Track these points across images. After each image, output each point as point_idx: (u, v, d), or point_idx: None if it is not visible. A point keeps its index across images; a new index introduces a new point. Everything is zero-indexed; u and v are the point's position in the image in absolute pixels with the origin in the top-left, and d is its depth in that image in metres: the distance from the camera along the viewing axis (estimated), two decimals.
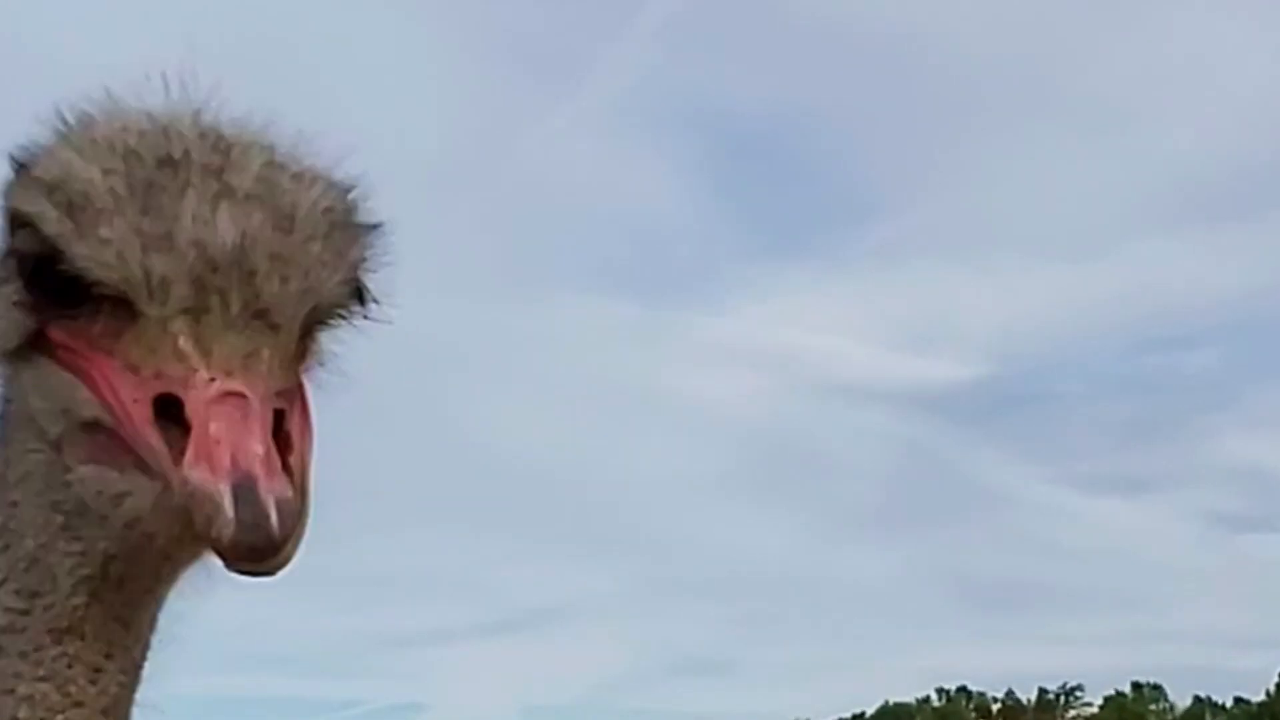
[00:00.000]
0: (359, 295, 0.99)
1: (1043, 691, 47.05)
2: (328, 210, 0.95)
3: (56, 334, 0.94)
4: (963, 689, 48.15)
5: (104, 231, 0.90)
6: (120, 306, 0.91)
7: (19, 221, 0.95)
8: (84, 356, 0.92)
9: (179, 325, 0.89)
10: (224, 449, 0.83)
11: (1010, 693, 47.65)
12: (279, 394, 0.90)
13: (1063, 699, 47.18)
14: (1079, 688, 47.22)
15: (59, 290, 0.92)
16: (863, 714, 49.37)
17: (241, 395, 0.87)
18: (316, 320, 0.96)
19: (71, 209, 0.91)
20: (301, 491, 0.86)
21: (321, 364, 1.00)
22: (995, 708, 47.82)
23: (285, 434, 0.88)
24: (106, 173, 0.92)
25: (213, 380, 0.87)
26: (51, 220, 0.92)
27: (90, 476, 0.92)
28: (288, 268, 0.91)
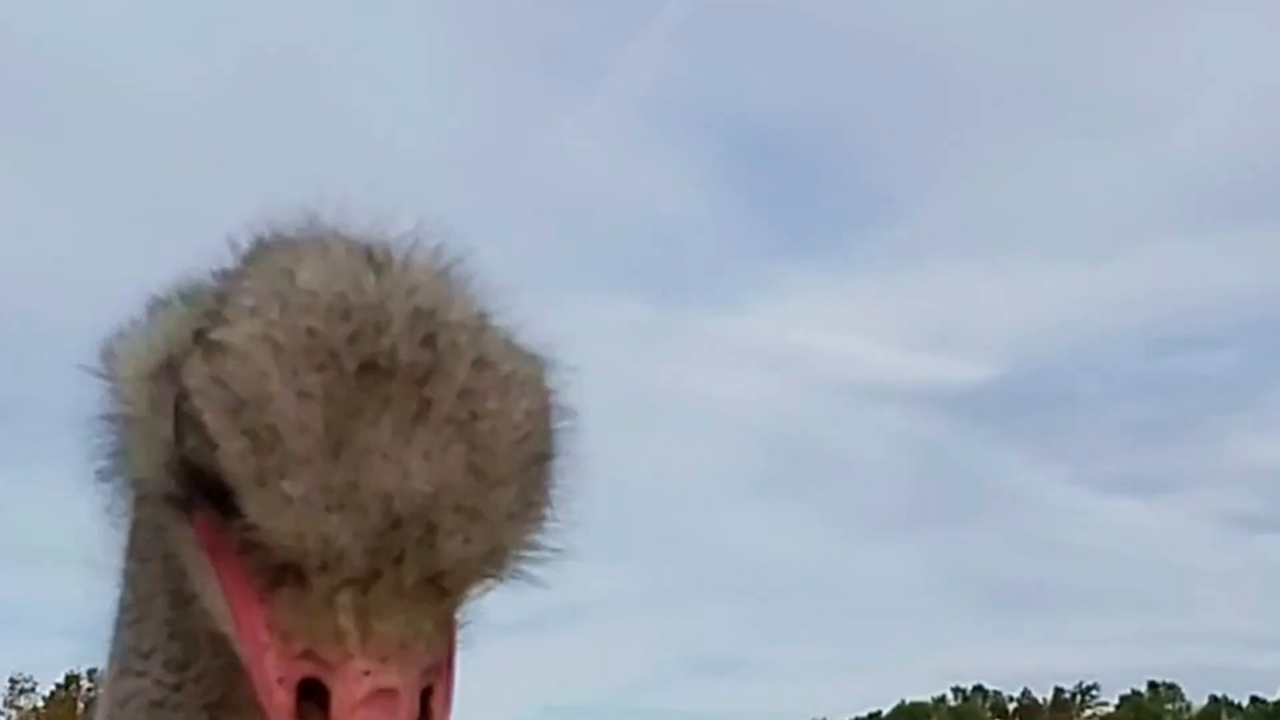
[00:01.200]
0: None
1: (1059, 691, 47.18)
2: (527, 439, 0.84)
3: (204, 525, 0.85)
4: (979, 688, 48.26)
5: (287, 487, 0.80)
6: (285, 568, 0.81)
7: (191, 417, 0.82)
8: (230, 578, 0.84)
9: (343, 600, 0.81)
10: None
11: (1026, 692, 47.76)
12: (429, 670, 0.83)
13: (1079, 699, 47.24)
14: (1095, 687, 46.94)
15: (216, 507, 0.82)
16: (879, 713, 49.54)
17: (393, 693, 0.80)
18: (490, 577, 0.87)
19: (258, 445, 0.80)
20: None
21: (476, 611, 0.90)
22: (1011, 707, 47.87)
23: (429, 712, 0.82)
24: (302, 398, 0.80)
25: (366, 674, 0.80)
26: (234, 454, 0.80)
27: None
28: (474, 525, 0.82)
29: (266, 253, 0.85)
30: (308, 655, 0.81)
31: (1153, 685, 47.31)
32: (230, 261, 0.86)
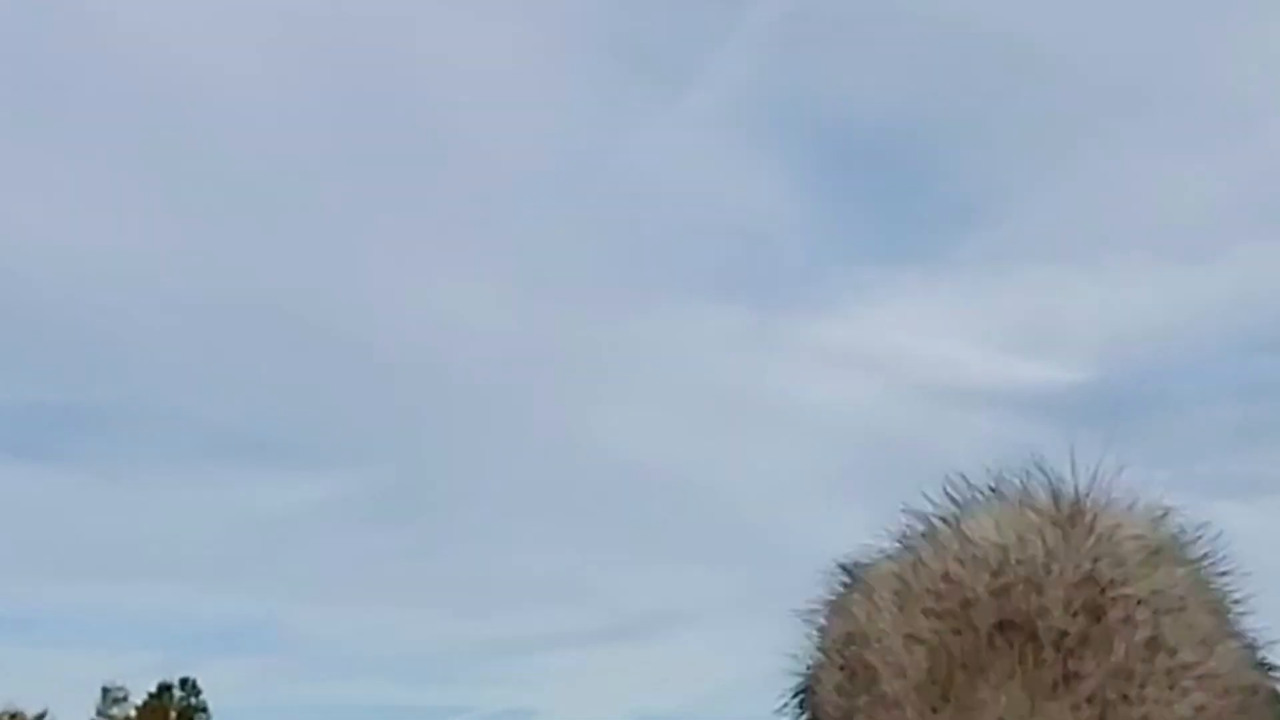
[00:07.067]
0: None
1: None
2: None
3: None
4: None
5: None
6: None
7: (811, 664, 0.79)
8: None
9: None
10: None
11: None
12: None
13: None
14: None
15: None
16: None
17: None
18: None
19: (853, 681, 0.74)
20: None
21: None
22: None
23: None
24: (909, 640, 0.72)
25: None
26: (827, 691, 0.75)
27: None
28: None
29: (953, 504, 0.78)
30: None
31: None
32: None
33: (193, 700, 37.06)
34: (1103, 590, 0.71)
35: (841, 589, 0.78)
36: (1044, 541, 0.72)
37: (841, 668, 0.74)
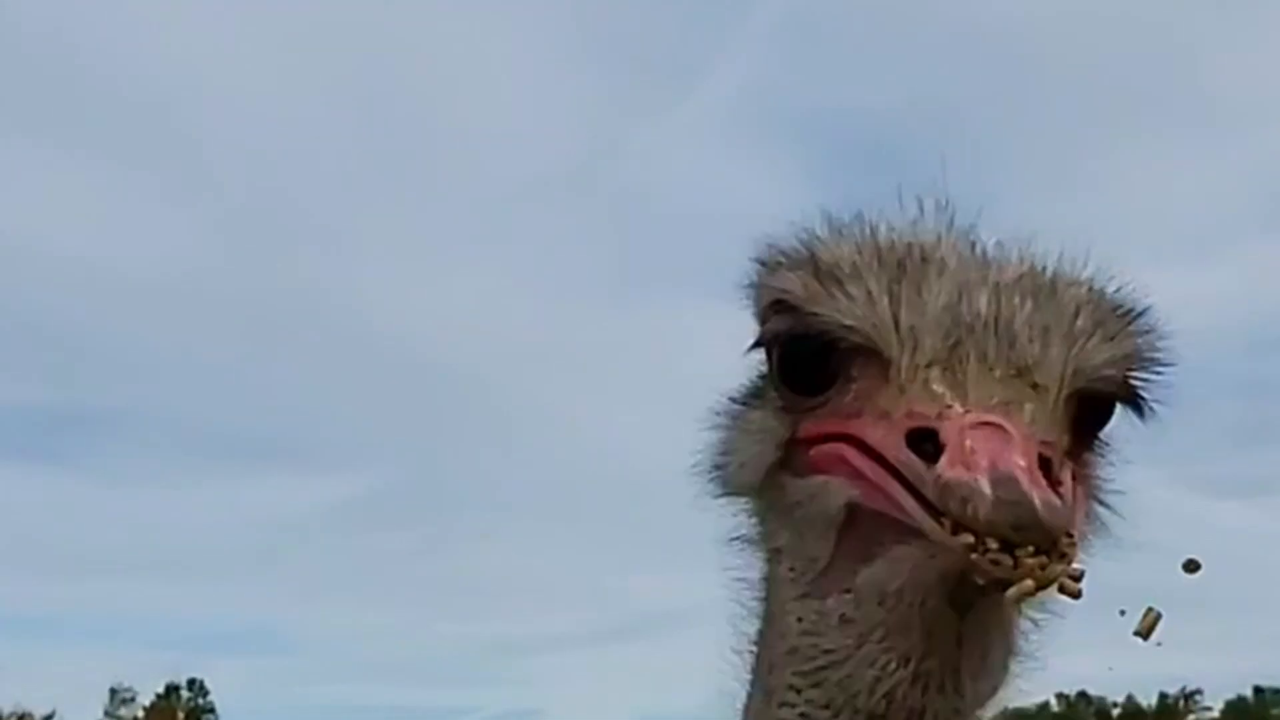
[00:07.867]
0: (1131, 395, 0.96)
1: (1163, 696, 44.61)
2: (1094, 296, 0.94)
3: (808, 429, 0.92)
4: (1083, 694, 45.30)
5: (852, 289, 0.91)
6: (870, 366, 0.90)
7: (768, 310, 0.97)
8: (834, 437, 0.90)
9: (933, 373, 0.87)
10: (980, 456, 0.80)
11: (1130, 698, 45.37)
12: (1045, 443, 0.84)
13: (1182, 704, 44.47)
14: (1198, 692, 44.06)
15: (809, 373, 0.92)
16: None
17: (1000, 426, 0.82)
18: (1085, 401, 0.92)
19: (819, 274, 0.92)
20: (1073, 515, 0.82)
21: (1098, 478, 0.96)
22: (1116, 713, 46.13)
23: (1053, 478, 0.82)
24: (858, 249, 0.94)
25: (968, 413, 0.84)
26: (798, 287, 0.93)
27: (864, 580, 0.88)
28: (1049, 334, 0.89)
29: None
30: (909, 416, 0.86)
31: (1258, 690, 44.65)
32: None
33: (200, 701, 37.10)
34: (974, 244, 0.97)
35: (768, 263, 1.00)
36: (917, 228, 0.98)
37: (802, 270, 0.95)
